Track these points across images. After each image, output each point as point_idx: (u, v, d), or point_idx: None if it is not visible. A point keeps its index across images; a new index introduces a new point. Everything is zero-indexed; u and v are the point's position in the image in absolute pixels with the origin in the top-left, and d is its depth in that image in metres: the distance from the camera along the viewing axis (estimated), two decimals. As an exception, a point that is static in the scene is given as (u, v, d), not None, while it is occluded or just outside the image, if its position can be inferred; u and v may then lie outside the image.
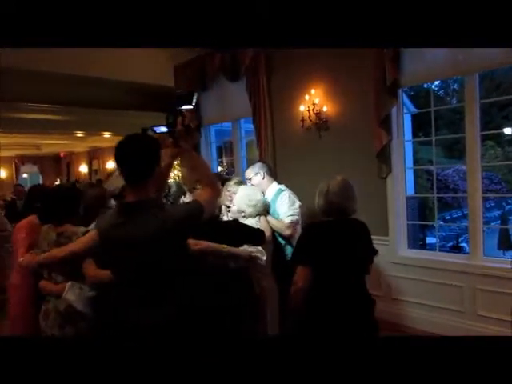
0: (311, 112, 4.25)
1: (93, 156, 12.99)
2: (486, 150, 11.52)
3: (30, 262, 2.47)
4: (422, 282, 3.79)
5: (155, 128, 1.93)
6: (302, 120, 4.33)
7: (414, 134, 4.38)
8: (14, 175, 13.15)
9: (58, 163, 14.57)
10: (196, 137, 5.40)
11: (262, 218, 2.83)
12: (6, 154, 12.88)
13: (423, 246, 7.37)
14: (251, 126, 5.06)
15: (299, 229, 3.04)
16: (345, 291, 2.02)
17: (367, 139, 3.91)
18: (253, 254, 2.33)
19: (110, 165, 12.04)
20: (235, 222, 2.68)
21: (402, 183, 3.98)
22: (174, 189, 2.92)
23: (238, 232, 2.46)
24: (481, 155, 3.46)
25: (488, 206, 11.34)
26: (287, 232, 2.95)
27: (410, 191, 4.13)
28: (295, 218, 2.99)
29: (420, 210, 7.25)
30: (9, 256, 3.99)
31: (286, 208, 2.99)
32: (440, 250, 4.30)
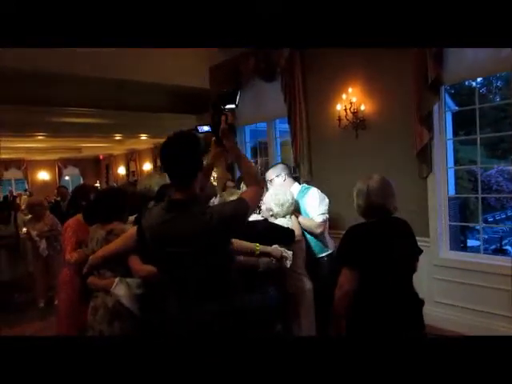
0: (348, 111, 4.19)
1: (130, 158, 13.37)
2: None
3: (78, 260, 2.57)
4: (465, 284, 3.65)
5: (199, 127, 1.96)
6: (339, 119, 4.28)
7: (455, 133, 4.22)
8: (57, 177, 13.75)
9: (97, 165, 15.10)
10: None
11: (293, 217, 2.81)
12: (49, 157, 13.51)
13: (464, 249, 7.11)
14: (286, 126, 5.05)
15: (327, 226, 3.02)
16: (394, 292, 1.97)
17: (406, 138, 3.81)
18: (284, 254, 2.32)
19: (147, 166, 12.36)
20: (265, 221, 2.68)
21: (444, 183, 3.85)
22: (206, 189, 2.96)
23: (268, 231, 2.46)
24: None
25: (534, 207, 10.75)
26: (319, 230, 2.90)
27: (451, 192, 3.99)
28: (326, 215, 2.96)
29: (461, 212, 7.00)
30: (57, 254, 4.18)
31: (316, 206, 2.95)
32: (484, 253, 4.12)
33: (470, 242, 8.71)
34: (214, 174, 5.71)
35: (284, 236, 2.42)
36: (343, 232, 2.03)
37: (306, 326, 2.60)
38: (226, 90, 1.99)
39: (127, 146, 12.86)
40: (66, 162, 14.12)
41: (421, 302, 2.10)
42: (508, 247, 8.70)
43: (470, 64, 3.46)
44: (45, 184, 13.28)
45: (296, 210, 2.90)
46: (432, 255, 3.84)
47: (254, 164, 1.92)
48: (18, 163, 13.19)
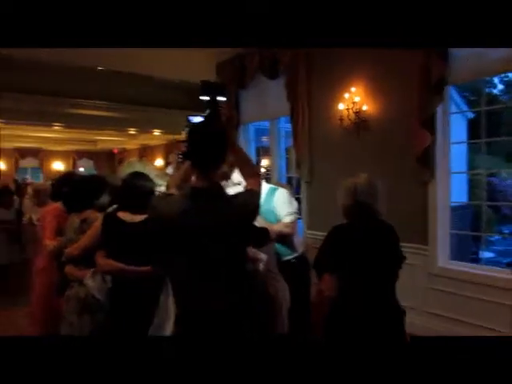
0: (350, 111, 4.08)
1: (143, 153, 13.50)
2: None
3: (56, 248, 2.54)
4: (463, 297, 3.48)
5: (190, 118, 1.92)
6: (341, 119, 4.17)
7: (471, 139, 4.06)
8: (71, 168, 13.98)
9: (111, 159, 15.30)
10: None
11: (259, 217, 2.70)
12: (65, 148, 13.77)
13: (476, 261, 6.86)
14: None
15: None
16: (373, 299, 1.89)
17: (409, 141, 3.67)
18: (258, 256, 2.23)
19: (159, 162, 12.45)
20: None
21: (446, 189, 3.68)
22: None
23: None
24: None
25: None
26: (287, 231, 2.80)
27: (462, 199, 3.82)
28: (295, 216, 2.84)
29: (473, 221, 6.74)
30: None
31: (285, 206, 2.83)
32: (493, 265, 3.93)
33: (486, 254, 8.41)
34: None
35: (259, 237, 2.31)
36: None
37: (282, 326, 2.52)
38: (214, 81, 1.97)
39: (140, 141, 13.01)
40: (81, 154, 14.37)
41: (402, 312, 2.01)
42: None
43: (478, 62, 3.28)
44: (58, 174, 13.50)
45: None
46: (430, 264, 3.70)
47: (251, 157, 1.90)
48: (34, 152, 13.47)
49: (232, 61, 5.41)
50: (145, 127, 10.63)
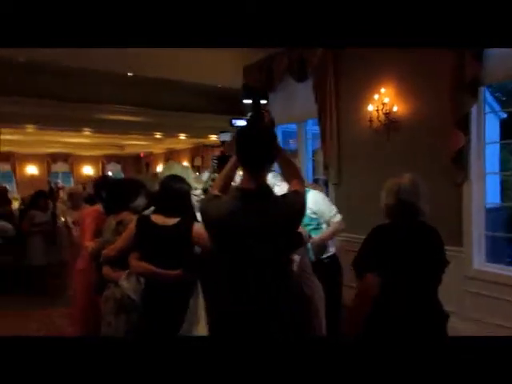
0: (380, 112, 4.04)
1: (169, 157, 13.69)
2: None
3: (94, 249, 2.62)
4: (500, 300, 3.39)
5: (233, 121, 1.95)
6: (370, 121, 4.14)
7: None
8: (100, 172, 14.33)
9: (138, 163, 15.60)
10: None
11: None
12: (94, 153, 14.14)
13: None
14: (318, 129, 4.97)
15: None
16: (416, 300, 1.85)
17: (441, 142, 3.61)
18: (292, 257, 2.24)
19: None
20: None
21: (481, 190, 3.60)
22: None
23: None
24: None
25: None
26: (343, 226, 2.83)
27: (495, 200, 3.73)
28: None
29: (508, 223, 6.50)
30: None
31: (328, 206, 2.87)
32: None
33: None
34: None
35: (293, 239, 2.32)
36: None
37: (319, 327, 2.52)
38: (253, 84, 1.99)
39: (166, 145, 13.20)
40: (109, 159, 14.71)
41: (445, 316, 1.95)
42: None
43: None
44: (88, 178, 13.87)
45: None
46: (465, 266, 3.61)
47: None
48: (65, 157, 13.90)
49: (259, 64, 5.45)
50: (170, 131, 10.78)
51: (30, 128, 9.48)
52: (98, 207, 2.95)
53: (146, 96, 9.12)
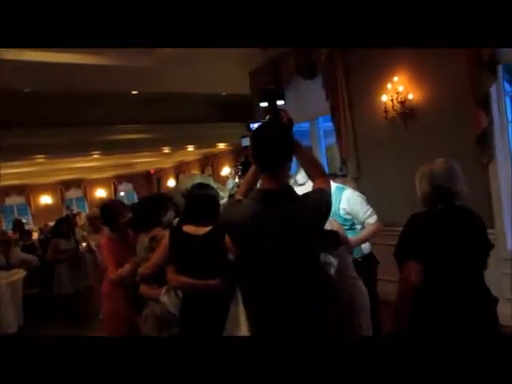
0: (395, 101, 3.98)
1: (179, 170, 13.76)
2: None
3: (130, 271, 2.60)
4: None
5: (251, 125, 1.92)
6: (385, 111, 4.08)
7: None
8: (113, 194, 14.43)
9: (149, 180, 15.70)
10: None
11: (331, 218, 2.61)
12: (105, 175, 14.26)
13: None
14: (330, 125, 4.91)
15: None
16: (463, 287, 1.79)
17: (461, 125, 3.54)
18: (327, 260, 2.15)
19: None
20: None
21: (507, 169, 3.52)
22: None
23: None
24: None
25: None
26: (377, 231, 2.73)
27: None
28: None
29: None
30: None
31: (363, 206, 2.73)
32: None
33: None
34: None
35: (329, 240, 2.16)
36: (396, 229, 1.89)
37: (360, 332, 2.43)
38: (273, 87, 1.96)
39: (176, 159, 13.28)
40: (120, 179, 14.82)
41: (494, 300, 1.89)
42: None
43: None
44: (101, 201, 13.98)
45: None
46: (499, 248, 3.51)
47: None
48: (77, 182, 14.03)
49: (265, 67, 5.43)
50: (178, 144, 10.84)
51: (40, 158, 9.62)
52: (105, 233, 2.98)
53: (151, 112, 9.18)
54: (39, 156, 9.32)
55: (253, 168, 1.75)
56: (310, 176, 1.76)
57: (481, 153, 3.47)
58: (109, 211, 2.96)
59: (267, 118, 1.82)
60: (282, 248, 1.51)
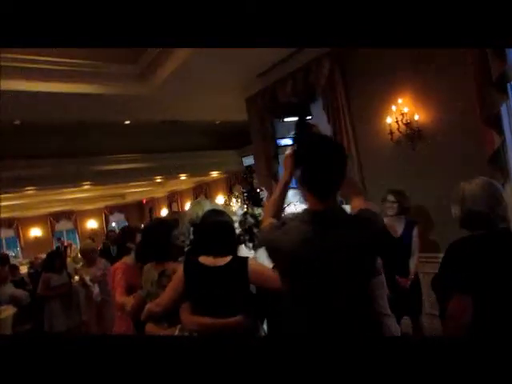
0: (400, 123, 3.90)
1: (172, 199, 13.56)
2: None
3: (134, 306, 2.37)
4: None
5: (278, 141, 1.78)
6: (391, 133, 3.99)
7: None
8: (104, 224, 14.12)
9: (141, 209, 15.44)
10: None
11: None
12: (96, 205, 13.98)
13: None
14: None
15: None
16: None
17: (471, 145, 3.45)
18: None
19: (188, 206, 12.45)
20: None
21: (524, 188, 3.41)
22: (249, 218, 2.75)
23: None
24: None
25: None
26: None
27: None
28: None
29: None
30: (110, 299, 4.04)
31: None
32: None
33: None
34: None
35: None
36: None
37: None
38: (297, 102, 1.84)
39: (168, 188, 13.10)
40: (111, 209, 14.55)
41: None
42: None
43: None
44: (93, 232, 13.63)
45: None
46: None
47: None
48: (68, 214, 13.71)
49: (261, 92, 5.37)
50: (170, 173, 10.68)
51: (30, 190, 9.36)
52: (126, 260, 2.77)
53: (143, 142, 9.08)
54: (29, 188, 9.06)
55: (280, 184, 1.58)
56: (348, 195, 1.60)
57: (495, 173, 3.36)
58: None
59: (293, 134, 1.68)
60: (339, 278, 1.34)
